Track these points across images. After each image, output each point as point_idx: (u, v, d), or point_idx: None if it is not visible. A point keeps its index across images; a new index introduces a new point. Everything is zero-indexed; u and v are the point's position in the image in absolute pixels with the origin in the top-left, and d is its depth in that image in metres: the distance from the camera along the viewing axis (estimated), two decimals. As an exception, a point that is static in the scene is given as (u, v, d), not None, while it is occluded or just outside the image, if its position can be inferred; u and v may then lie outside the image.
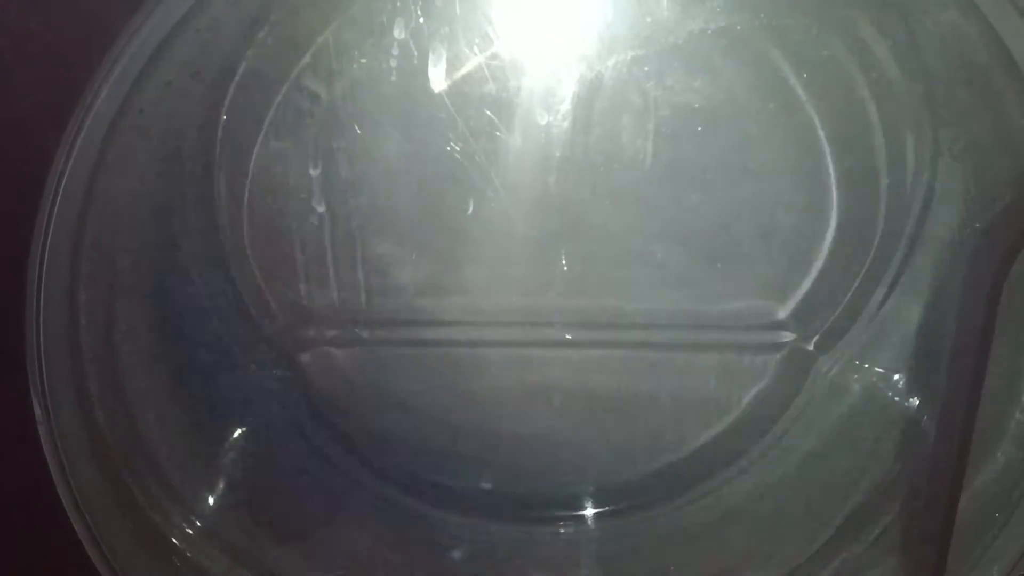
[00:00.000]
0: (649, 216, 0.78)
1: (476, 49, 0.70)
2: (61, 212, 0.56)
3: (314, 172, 0.76)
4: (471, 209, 0.77)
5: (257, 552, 0.76)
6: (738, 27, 0.71)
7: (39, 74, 0.53)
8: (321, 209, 0.77)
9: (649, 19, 0.69)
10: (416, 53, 0.70)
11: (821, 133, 0.75)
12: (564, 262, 0.79)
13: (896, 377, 0.78)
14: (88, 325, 0.64)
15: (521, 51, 0.71)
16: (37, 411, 0.59)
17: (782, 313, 0.83)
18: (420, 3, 0.69)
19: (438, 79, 0.71)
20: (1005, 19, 0.58)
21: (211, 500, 0.76)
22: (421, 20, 0.69)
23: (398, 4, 0.69)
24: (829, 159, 0.76)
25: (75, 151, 0.55)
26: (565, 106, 0.72)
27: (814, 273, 0.81)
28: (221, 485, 0.77)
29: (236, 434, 0.80)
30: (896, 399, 0.77)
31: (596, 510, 0.86)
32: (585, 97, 0.72)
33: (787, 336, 0.83)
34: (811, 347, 0.83)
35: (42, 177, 0.55)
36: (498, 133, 0.73)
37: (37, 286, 0.57)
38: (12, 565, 0.63)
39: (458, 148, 0.74)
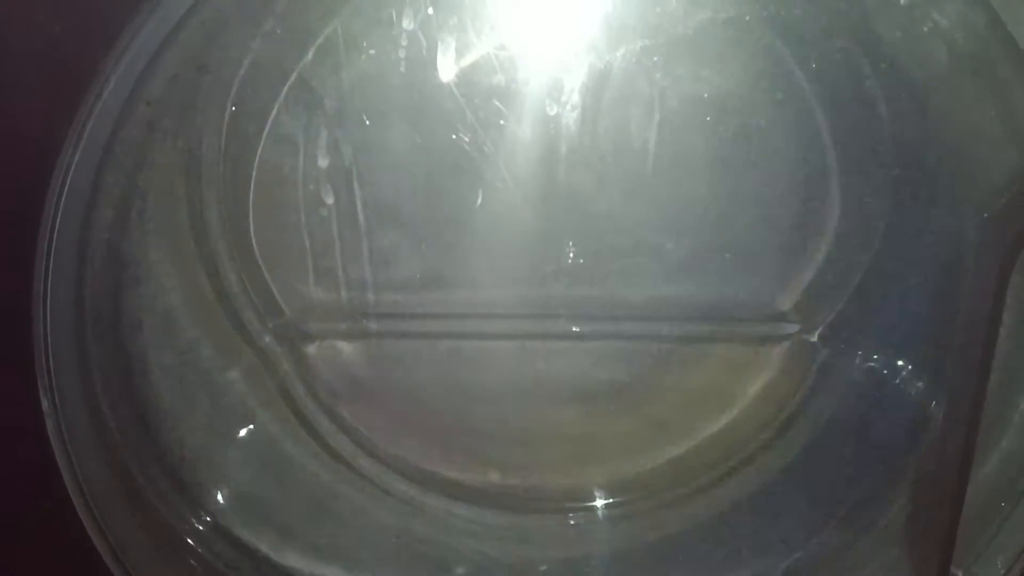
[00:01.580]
0: (656, 207, 0.78)
1: (484, 39, 0.69)
2: (68, 205, 0.56)
3: (322, 163, 0.75)
4: (479, 200, 0.76)
5: (264, 547, 0.76)
6: (746, 17, 0.70)
7: (46, 67, 0.53)
8: (329, 200, 0.77)
9: (658, 9, 0.69)
10: (425, 43, 0.70)
11: (827, 124, 0.75)
12: (571, 253, 0.79)
13: (901, 366, 0.78)
14: (95, 319, 0.64)
15: (530, 41, 0.71)
16: (44, 404, 0.59)
17: (786, 304, 0.83)
18: (428, -7, 0.68)
19: (446, 70, 0.71)
20: (1012, 10, 0.58)
21: (219, 495, 0.75)
22: (430, 10, 0.68)
23: (406, -6, 0.68)
24: (835, 150, 0.76)
25: (82, 144, 0.55)
26: (574, 96, 0.72)
27: (819, 264, 0.81)
28: (229, 480, 0.77)
29: (243, 429, 0.80)
30: (902, 389, 0.77)
31: (605, 501, 0.86)
32: (594, 87, 0.72)
33: (792, 327, 0.83)
34: (815, 338, 0.83)
35: (49, 170, 0.55)
36: (506, 124, 0.73)
37: (44, 279, 0.57)
38: (21, 558, 0.63)
39: (466, 139, 0.73)
